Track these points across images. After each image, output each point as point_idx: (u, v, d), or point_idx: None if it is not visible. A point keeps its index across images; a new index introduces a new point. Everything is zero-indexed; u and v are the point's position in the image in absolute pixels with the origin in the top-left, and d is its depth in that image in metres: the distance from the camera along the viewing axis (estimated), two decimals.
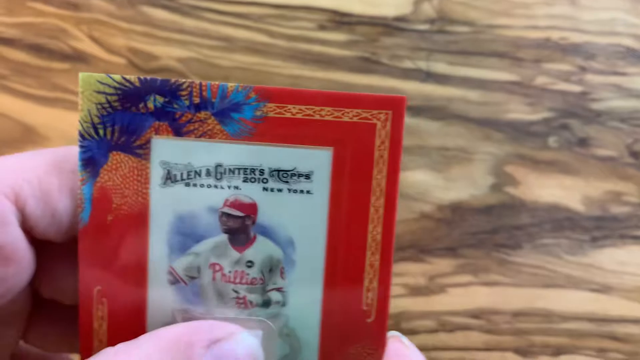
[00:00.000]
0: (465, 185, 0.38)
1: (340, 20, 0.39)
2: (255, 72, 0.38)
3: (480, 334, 0.37)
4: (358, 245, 0.24)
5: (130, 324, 0.24)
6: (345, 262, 0.24)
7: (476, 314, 0.37)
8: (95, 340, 0.24)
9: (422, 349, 0.38)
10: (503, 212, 0.38)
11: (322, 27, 0.38)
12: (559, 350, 0.38)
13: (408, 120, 0.38)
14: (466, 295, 0.37)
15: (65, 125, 0.37)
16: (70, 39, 0.38)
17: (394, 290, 0.37)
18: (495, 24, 0.39)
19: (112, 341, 0.23)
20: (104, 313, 0.24)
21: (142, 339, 0.20)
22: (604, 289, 0.38)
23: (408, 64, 0.38)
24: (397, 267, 0.38)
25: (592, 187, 0.39)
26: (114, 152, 0.23)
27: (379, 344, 0.24)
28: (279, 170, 0.23)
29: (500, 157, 0.38)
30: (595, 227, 0.38)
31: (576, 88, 0.39)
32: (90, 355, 0.23)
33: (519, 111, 0.39)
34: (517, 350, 0.37)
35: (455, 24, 0.39)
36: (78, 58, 0.38)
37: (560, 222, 0.38)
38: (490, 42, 0.39)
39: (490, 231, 0.38)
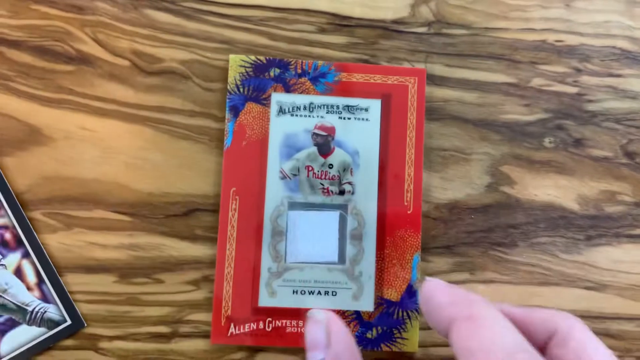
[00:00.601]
0: (462, 184, 0.39)
1: (340, 23, 0.39)
2: None
3: None
4: (399, 162, 0.37)
5: (253, 209, 0.37)
6: (391, 172, 0.37)
7: None
8: (229, 226, 0.37)
9: (419, 345, 0.39)
10: (499, 211, 0.39)
11: (322, 30, 0.39)
12: None
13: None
14: None
15: (70, 126, 0.38)
16: (75, 41, 0.38)
17: None
18: (492, 26, 0.40)
19: (240, 225, 0.37)
20: (236, 206, 0.37)
21: None
22: (598, 286, 0.39)
23: (406, 66, 0.39)
24: None
25: (587, 186, 0.39)
26: (249, 102, 0.37)
27: (416, 229, 0.37)
28: (348, 106, 0.37)
29: (496, 157, 0.39)
30: (590, 226, 0.39)
31: (571, 89, 0.40)
32: (225, 238, 0.37)
33: (515, 112, 0.39)
34: None
35: (453, 26, 0.40)
36: (82, 60, 0.38)
37: (556, 221, 0.39)
38: (487, 45, 0.40)
39: (486, 230, 0.39)
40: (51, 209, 0.38)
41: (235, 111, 0.37)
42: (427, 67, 0.39)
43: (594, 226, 0.39)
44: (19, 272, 0.37)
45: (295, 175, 0.37)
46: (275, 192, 0.37)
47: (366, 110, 0.37)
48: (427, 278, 0.29)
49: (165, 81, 0.38)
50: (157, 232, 0.38)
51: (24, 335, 0.37)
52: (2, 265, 0.37)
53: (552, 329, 0.28)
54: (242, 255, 0.37)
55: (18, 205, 0.37)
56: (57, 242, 0.38)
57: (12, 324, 0.37)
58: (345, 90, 0.37)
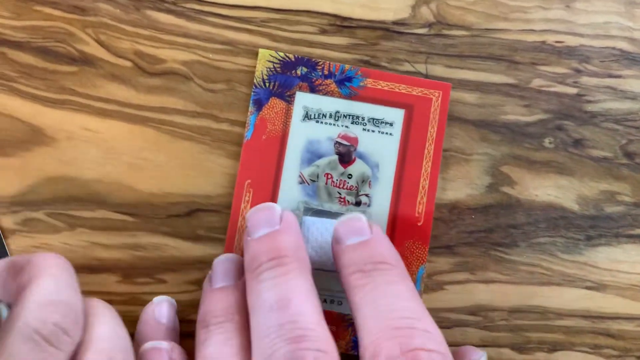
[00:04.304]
0: (462, 185, 0.39)
1: (341, 24, 0.39)
2: None
3: (477, 331, 0.38)
4: (415, 174, 0.37)
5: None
6: (406, 183, 0.37)
7: (473, 311, 0.38)
8: (240, 217, 0.37)
9: None
10: (499, 212, 0.39)
11: (323, 31, 0.39)
12: (554, 347, 0.39)
13: None
14: (463, 293, 0.38)
15: (73, 126, 0.38)
16: (77, 42, 0.39)
17: None
18: (492, 27, 0.40)
19: None
20: (250, 198, 0.37)
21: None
22: (598, 286, 0.39)
23: (407, 67, 0.39)
24: None
25: (587, 187, 0.39)
26: (273, 97, 0.37)
27: (425, 242, 0.37)
28: (373, 119, 0.37)
29: (497, 158, 0.39)
30: (590, 226, 0.39)
31: (571, 90, 0.40)
32: (235, 229, 0.37)
33: (515, 113, 0.40)
34: (514, 347, 0.38)
35: (453, 28, 0.40)
36: (85, 61, 0.39)
37: (556, 221, 0.39)
38: (487, 46, 0.40)
39: (487, 230, 0.39)
40: (54, 209, 0.38)
41: (259, 105, 0.37)
42: (427, 68, 0.39)
43: (594, 226, 0.39)
44: None
45: (313, 181, 0.37)
46: (291, 195, 0.37)
47: (391, 125, 0.37)
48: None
49: (167, 82, 0.39)
50: (159, 232, 0.38)
51: None
52: None
53: None
54: None
55: None
56: (60, 242, 0.38)
57: None
58: (369, 96, 0.37)
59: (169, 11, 0.39)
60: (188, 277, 0.38)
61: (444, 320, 0.38)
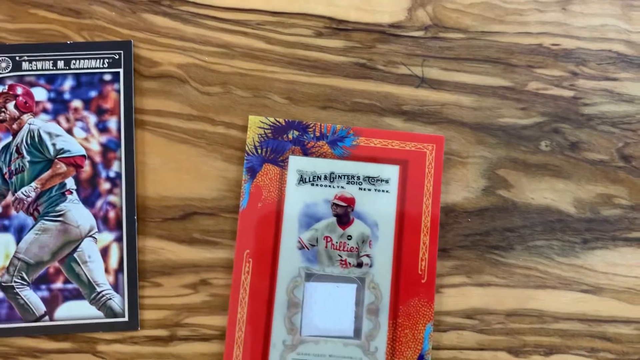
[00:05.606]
0: (458, 188, 0.39)
1: (337, 27, 0.39)
2: (254, 77, 0.39)
3: (473, 334, 0.38)
4: (415, 229, 0.36)
5: (266, 276, 0.36)
6: (407, 240, 0.36)
7: (470, 314, 0.38)
8: (242, 289, 0.36)
9: None
10: (496, 215, 0.39)
11: (319, 34, 0.39)
12: (550, 350, 0.38)
13: (402, 125, 0.39)
14: (460, 296, 0.38)
15: None
16: None
17: None
18: (489, 30, 0.40)
19: (252, 289, 0.36)
20: (249, 268, 0.36)
21: None
22: (595, 290, 0.39)
23: (403, 70, 0.39)
24: None
25: (583, 190, 0.39)
26: (266, 164, 0.37)
27: (430, 299, 0.36)
28: (369, 177, 0.37)
29: (493, 161, 0.39)
30: (587, 229, 0.39)
31: (568, 93, 0.40)
32: (237, 300, 0.36)
33: (511, 116, 0.39)
34: (510, 350, 0.38)
35: (450, 30, 0.40)
36: None
37: (552, 224, 0.39)
38: (483, 49, 0.40)
39: (483, 233, 0.39)
40: None
41: (253, 172, 0.37)
42: (423, 70, 0.39)
43: (590, 229, 0.39)
44: (105, 252, 0.37)
45: (313, 245, 0.37)
46: (292, 261, 0.37)
47: (387, 182, 0.37)
48: None
49: (162, 85, 0.39)
50: (154, 235, 0.38)
51: (81, 310, 0.37)
52: (94, 237, 0.37)
53: None
54: (254, 320, 0.36)
55: (134, 192, 0.38)
56: None
57: (75, 295, 0.37)
58: (363, 155, 0.37)
59: (164, 14, 0.39)
60: (183, 280, 0.38)
61: (440, 323, 0.38)
